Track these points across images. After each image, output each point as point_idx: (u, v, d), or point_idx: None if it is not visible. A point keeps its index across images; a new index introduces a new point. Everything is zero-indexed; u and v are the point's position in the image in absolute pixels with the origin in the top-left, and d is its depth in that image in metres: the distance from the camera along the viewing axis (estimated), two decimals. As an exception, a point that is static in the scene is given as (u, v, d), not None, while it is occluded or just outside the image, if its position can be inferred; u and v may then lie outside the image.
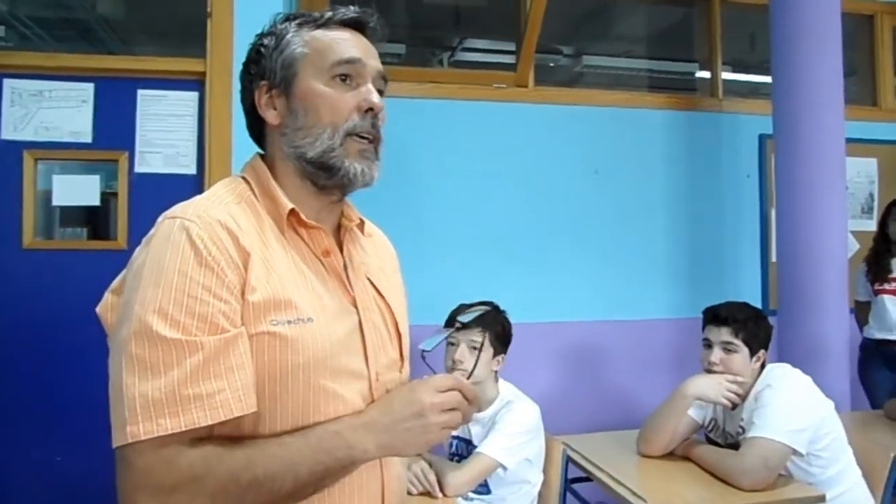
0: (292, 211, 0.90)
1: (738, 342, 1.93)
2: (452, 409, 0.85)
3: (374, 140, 0.93)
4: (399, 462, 0.99)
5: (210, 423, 0.75)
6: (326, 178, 0.91)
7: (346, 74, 0.90)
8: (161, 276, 0.78)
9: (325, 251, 0.93)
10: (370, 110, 0.91)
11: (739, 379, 1.91)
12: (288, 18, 0.95)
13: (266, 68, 0.92)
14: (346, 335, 0.89)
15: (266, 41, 0.94)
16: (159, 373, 0.74)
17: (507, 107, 2.96)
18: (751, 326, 1.94)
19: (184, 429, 0.74)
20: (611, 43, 3.75)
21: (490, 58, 3.39)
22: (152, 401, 0.74)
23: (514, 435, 1.86)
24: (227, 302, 0.79)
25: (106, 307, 0.89)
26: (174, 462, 0.74)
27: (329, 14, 0.93)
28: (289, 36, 0.92)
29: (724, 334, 1.94)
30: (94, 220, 2.41)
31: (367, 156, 0.92)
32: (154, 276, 0.78)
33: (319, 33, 0.92)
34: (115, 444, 0.75)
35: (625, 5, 3.55)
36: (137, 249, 0.86)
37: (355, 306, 0.93)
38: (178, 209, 0.85)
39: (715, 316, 1.99)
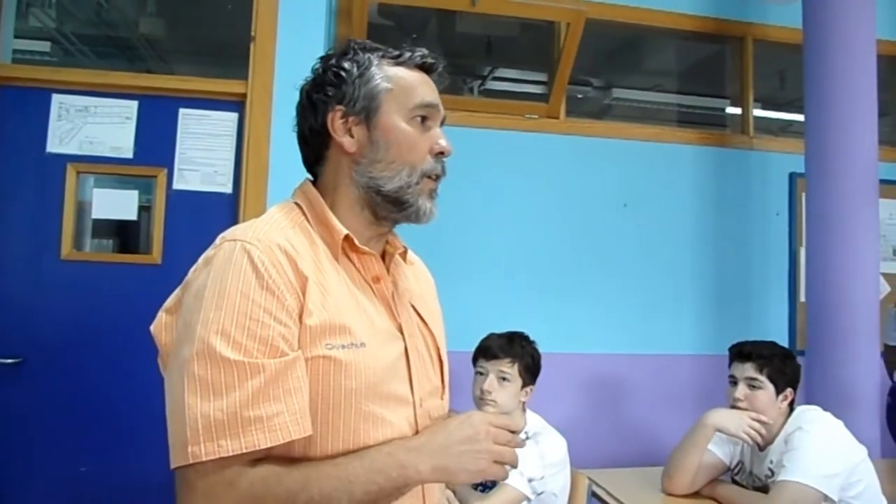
0: (346, 237, 0.91)
1: (763, 378, 1.91)
2: (503, 445, 0.86)
3: (439, 180, 0.97)
4: (439, 492, 0.99)
5: (269, 445, 0.76)
6: (396, 211, 0.94)
7: (424, 116, 0.95)
8: (223, 298, 0.79)
9: (375, 277, 0.95)
10: (441, 153, 0.95)
11: (763, 418, 1.88)
12: (365, 48, 0.97)
13: (346, 94, 0.94)
14: (394, 361, 0.91)
15: (347, 66, 0.95)
16: (221, 394, 0.75)
17: (538, 137, 2.98)
18: (776, 363, 1.92)
19: (244, 451, 0.75)
20: (641, 76, 3.77)
21: (519, 87, 3.43)
22: (214, 421, 0.75)
23: (540, 467, 1.84)
24: (287, 325, 0.81)
25: (160, 326, 0.90)
26: (236, 483, 0.75)
27: (408, 54, 0.96)
28: (373, 67, 0.94)
29: (748, 370, 1.93)
30: (123, 233, 2.46)
31: (433, 195, 0.96)
32: (216, 298, 0.79)
33: (402, 71, 0.95)
34: (174, 465, 0.76)
35: (656, 40, 3.58)
36: (194, 270, 0.87)
37: (401, 332, 0.94)
38: (237, 231, 0.87)
39: (740, 352, 1.98)
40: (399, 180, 0.92)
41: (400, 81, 0.95)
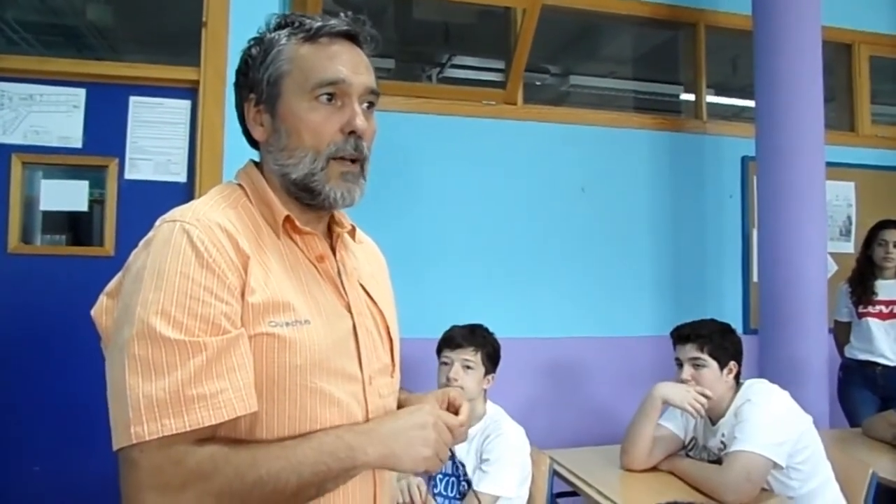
0: (287, 217, 0.90)
1: (705, 356, 1.97)
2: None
3: (359, 160, 0.91)
4: (390, 478, 0.99)
5: (214, 422, 0.76)
6: (309, 198, 0.91)
7: (330, 94, 0.89)
8: (162, 278, 0.78)
9: (318, 256, 0.94)
10: (353, 132, 0.89)
11: (708, 393, 1.94)
12: (279, 25, 0.92)
13: (253, 81, 0.91)
14: (341, 338, 0.91)
15: (254, 51, 0.92)
16: (163, 373, 0.74)
17: (496, 123, 3.00)
18: (716, 339, 1.99)
19: (188, 429, 0.74)
20: (597, 63, 3.82)
21: (478, 75, 3.44)
22: (156, 401, 0.74)
23: (513, 467, 1.89)
24: (229, 303, 0.80)
25: (101, 310, 0.88)
26: (182, 461, 0.74)
27: (318, 24, 0.90)
28: (275, 50, 0.90)
29: (690, 351, 1.99)
30: (76, 226, 2.40)
31: (348, 178, 0.90)
32: (155, 279, 0.78)
33: (306, 49, 0.89)
34: (117, 446, 0.75)
35: (611, 27, 3.62)
36: (134, 253, 0.86)
37: (349, 311, 0.94)
38: (176, 213, 0.85)
39: (679, 335, 2.04)
40: (303, 167, 0.88)
41: (299, 62, 0.89)
